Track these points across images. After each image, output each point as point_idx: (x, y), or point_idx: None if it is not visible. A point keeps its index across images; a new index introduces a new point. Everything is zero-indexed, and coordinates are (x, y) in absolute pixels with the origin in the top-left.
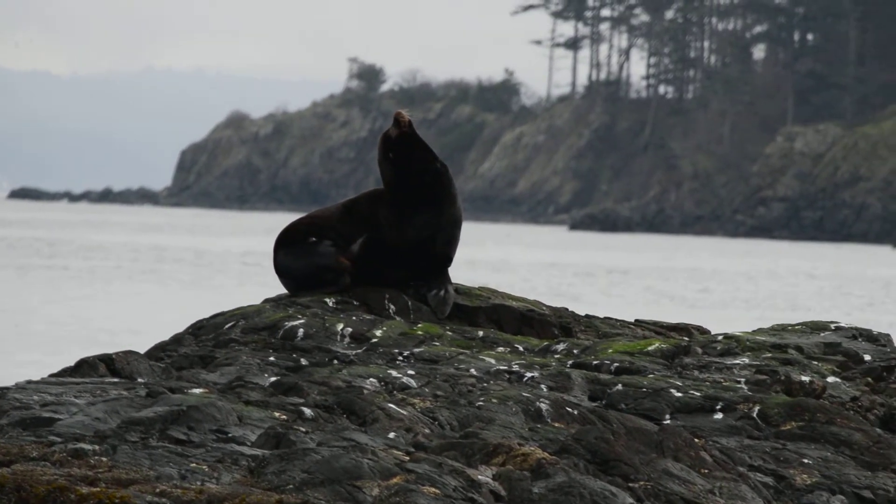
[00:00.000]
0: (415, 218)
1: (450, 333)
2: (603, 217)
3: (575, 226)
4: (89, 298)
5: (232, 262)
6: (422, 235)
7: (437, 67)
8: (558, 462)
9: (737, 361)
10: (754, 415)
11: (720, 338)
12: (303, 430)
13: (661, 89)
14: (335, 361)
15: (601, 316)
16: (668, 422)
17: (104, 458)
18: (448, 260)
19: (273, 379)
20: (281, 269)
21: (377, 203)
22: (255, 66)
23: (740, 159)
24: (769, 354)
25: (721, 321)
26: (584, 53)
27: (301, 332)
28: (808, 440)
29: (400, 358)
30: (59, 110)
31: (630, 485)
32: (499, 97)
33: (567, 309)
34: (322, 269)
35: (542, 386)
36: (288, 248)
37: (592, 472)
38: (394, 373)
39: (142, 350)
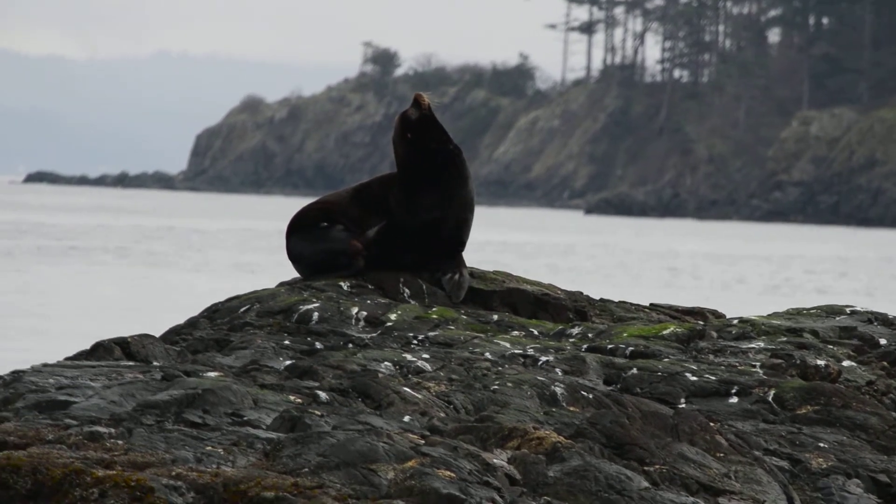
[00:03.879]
0: (424, 198)
1: (464, 317)
2: (618, 201)
3: (590, 210)
4: (105, 281)
5: (248, 244)
6: (431, 216)
7: (452, 51)
8: (573, 446)
9: (752, 345)
10: (770, 399)
11: (735, 322)
12: (318, 413)
13: (676, 73)
14: (350, 345)
15: (616, 300)
16: (684, 406)
17: (120, 442)
18: (461, 244)
19: (288, 362)
20: (293, 255)
21: (389, 186)
22: (269, 50)
23: (756, 143)
24: (784, 338)
25: (737, 305)
26: (599, 37)
27: (316, 315)
28: (824, 424)
29: (415, 342)
30: (75, 95)
31: (645, 468)
32: (513, 81)
33: (582, 293)
34: (334, 253)
35: (557, 370)
36: (300, 234)
37: (608, 456)
38: (409, 356)
39: (157, 333)
